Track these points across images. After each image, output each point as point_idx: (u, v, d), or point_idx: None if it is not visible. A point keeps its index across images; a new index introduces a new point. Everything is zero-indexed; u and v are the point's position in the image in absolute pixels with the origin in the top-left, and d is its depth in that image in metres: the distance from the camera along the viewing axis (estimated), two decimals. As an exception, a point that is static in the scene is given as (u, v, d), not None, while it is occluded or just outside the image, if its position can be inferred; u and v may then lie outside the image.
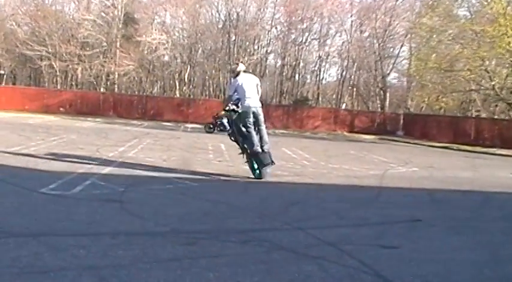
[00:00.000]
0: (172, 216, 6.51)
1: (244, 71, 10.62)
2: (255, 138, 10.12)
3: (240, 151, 10.76)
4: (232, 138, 10.81)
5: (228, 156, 14.44)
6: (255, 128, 10.20)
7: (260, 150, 10.02)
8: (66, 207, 6.54)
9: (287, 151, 17.47)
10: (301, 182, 10.53)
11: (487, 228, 7.19)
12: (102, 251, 4.80)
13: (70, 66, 44.85)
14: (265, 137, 10.34)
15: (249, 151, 10.20)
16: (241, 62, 11.76)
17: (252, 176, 10.11)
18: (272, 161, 10.12)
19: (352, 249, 5.35)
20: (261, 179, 9.94)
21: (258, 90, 10.43)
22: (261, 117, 10.35)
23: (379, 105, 46.56)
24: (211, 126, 25.37)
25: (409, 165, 15.83)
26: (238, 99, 10.10)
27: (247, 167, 10.46)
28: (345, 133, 38.14)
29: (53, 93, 39.77)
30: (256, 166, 10.11)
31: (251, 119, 10.14)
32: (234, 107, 10.03)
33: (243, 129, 10.20)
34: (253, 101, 10.22)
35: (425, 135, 34.05)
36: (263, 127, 10.39)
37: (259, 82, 10.63)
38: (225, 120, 10.63)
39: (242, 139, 10.37)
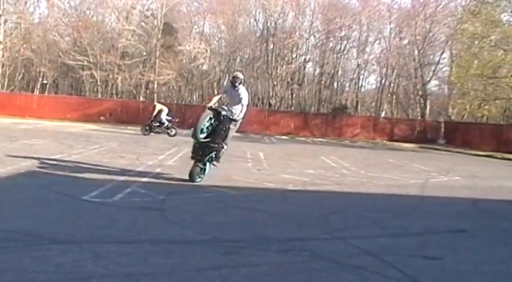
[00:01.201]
0: (212, 225, 6.52)
1: (238, 82, 10.56)
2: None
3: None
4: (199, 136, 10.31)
5: (266, 165, 14.41)
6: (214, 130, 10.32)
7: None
8: (107, 215, 6.63)
9: (326, 160, 17.36)
10: (341, 191, 10.44)
11: (534, 239, 6.99)
12: (143, 258, 4.83)
13: (110, 76, 45.58)
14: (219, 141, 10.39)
15: (226, 147, 10.61)
16: (241, 72, 11.69)
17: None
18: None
19: (393, 260, 5.26)
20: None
21: (237, 102, 10.45)
22: (223, 126, 10.33)
23: (419, 113, 45.82)
24: (147, 128, 25.30)
25: (451, 174, 15.53)
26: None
27: (286, 176, 10.43)
28: (385, 141, 37.68)
29: (93, 102, 40.50)
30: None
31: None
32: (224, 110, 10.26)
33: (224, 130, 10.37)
34: (228, 109, 10.41)
35: (467, 144, 33.37)
36: (224, 135, 10.44)
37: (242, 95, 10.43)
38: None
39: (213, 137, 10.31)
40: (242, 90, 10.46)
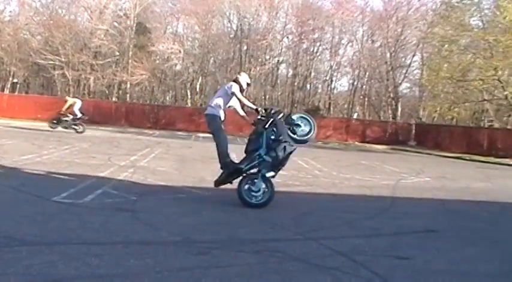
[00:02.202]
0: (185, 226, 6.50)
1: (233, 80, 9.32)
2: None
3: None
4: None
5: (239, 165, 14.41)
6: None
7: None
8: (79, 216, 6.55)
9: (299, 161, 17.42)
10: (313, 192, 10.50)
11: (502, 239, 7.12)
12: (115, 260, 4.80)
13: (83, 76, 45.17)
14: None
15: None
16: (244, 72, 10.85)
17: None
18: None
19: (365, 260, 5.31)
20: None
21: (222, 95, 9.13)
22: (209, 127, 9.31)
23: (390, 115, 46.38)
24: (55, 121, 24.73)
25: (422, 175, 15.73)
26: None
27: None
28: (357, 143, 37.99)
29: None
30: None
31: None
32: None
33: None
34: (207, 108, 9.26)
35: (437, 146, 33.87)
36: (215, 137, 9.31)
37: (228, 87, 8.99)
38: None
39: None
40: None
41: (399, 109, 46.27)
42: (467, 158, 27.07)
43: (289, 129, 8.62)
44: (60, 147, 16.10)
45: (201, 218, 7.13)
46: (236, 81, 9.17)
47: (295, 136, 8.73)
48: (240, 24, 47.36)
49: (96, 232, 5.83)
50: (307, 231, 6.57)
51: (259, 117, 8.54)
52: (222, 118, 9.12)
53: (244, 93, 9.24)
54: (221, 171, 8.97)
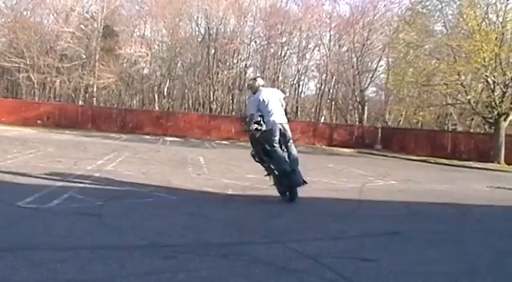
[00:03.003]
0: (151, 230, 6.47)
1: (263, 86, 9.83)
2: (283, 157, 9.34)
3: (265, 173, 9.84)
4: (257, 159, 9.76)
5: (206, 170, 14.42)
6: (281, 146, 9.40)
7: (289, 169, 9.24)
8: (43, 221, 6.47)
9: (266, 164, 17.48)
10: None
11: (464, 240, 7.27)
12: (80, 265, 4.75)
13: (48, 79, 44.48)
14: (295, 154, 9.57)
15: (276, 172, 9.35)
16: (260, 77, 10.97)
17: (281, 196, 9.50)
18: (304, 181, 9.43)
19: (331, 263, 5.37)
20: (293, 200, 9.28)
21: (282, 104, 9.68)
22: (289, 133, 9.54)
23: (357, 119, 46.88)
24: None
25: (387, 178, 15.94)
26: (262, 117, 9.33)
27: (226, 181, 10.42)
28: (324, 146, 38.25)
29: (30, 106, 39.35)
30: (284, 187, 9.40)
31: (277, 137, 9.29)
32: (256, 125, 9.25)
33: (269, 148, 9.31)
34: (278, 116, 9.42)
35: (403, 149, 34.34)
36: (291, 144, 9.60)
37: (282, 96, 9.86)
38: None
39: (268, 159, 9.48)
40: (274, 91, 10.15)
41: (365, 113, 46.82)
42: (432, 161, 27.52)
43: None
44: (25, 152, 15.84)
45: (168, 222, 7.11)
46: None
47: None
48: (208, 28, 47.30)
49: (61, 237, 5.76)
50: (274, 235, 6.61)
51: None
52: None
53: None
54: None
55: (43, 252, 5.12)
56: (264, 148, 9.38)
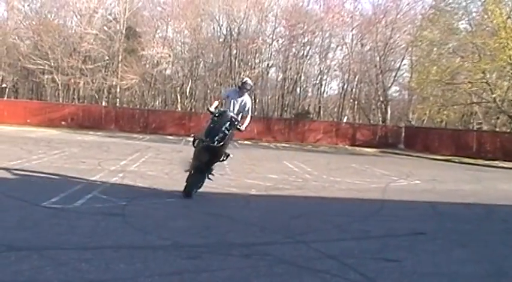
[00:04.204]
0: (175, 230, 6.50)
1: (246, 89, 9.49)
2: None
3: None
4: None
5: (229, 170, 14.42)
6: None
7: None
8: (68, 221, 6.53)
9: (289, 164, 17.46)
10: (303, 195, 10.51)
11: (490, 241, 7.17)
12: (104, 264, 4.79)
13: (72, 80, 44.90)
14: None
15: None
16: (248, 77, 10.80)
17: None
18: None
19: (354, 263, 5.33)
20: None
21: (240, 110, 9.33)
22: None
23: (380, 119, 46.50)
24: None
25: (411, 178, 15.80)
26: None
27: (249, 181, 10.41)
28: (347, 146, 38.06)
29: (55, 107, 39.80)
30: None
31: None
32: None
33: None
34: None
35: (427, 148, 34.00)
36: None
37: (247, 104, 9.40)
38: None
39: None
40: (247, 99, 9.47)
41: (389, 112, 46.39)
42: (457, 161, 27.21)
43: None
44: (50, 152, 16.03)
45: (191, 222, 7.14)
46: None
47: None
48: (230, 28, 47.33)
49: (85, 237, 5.81)
50: (296, 235, 6.59)
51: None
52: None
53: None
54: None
55: (68, 251, 5.17)
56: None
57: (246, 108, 9.31)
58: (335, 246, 6.16)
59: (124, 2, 45.86)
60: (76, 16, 47.54)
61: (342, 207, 9.53)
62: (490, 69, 28.95)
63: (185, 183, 8.95)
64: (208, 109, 9.09)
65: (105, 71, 46.39)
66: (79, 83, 44.94)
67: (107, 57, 46.72)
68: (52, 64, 44.11)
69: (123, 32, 46.08)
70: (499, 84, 30.42)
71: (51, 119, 37.02)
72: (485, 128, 39.71)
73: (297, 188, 11.35)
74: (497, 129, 38.02)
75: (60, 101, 44.92)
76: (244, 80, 9.75)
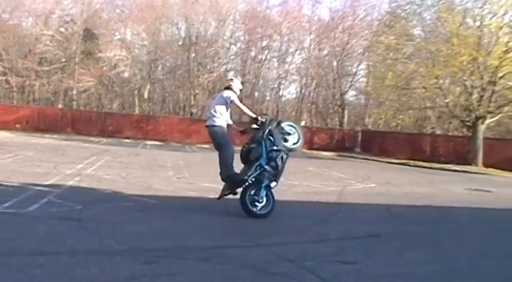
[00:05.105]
0: (132, 234, 6.43)
1: (227, 88, 9.30)
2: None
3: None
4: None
5: (187, 173, 14.37)
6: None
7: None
8: (22, 226, 6.40)
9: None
10: (262, 198, 10.53)
11: (443, 242, 7.34)
12: (59, 270, 4.71)
13: (27, 82, 43.97)
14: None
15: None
16: (232, 78, 10.42)
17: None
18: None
19: (312, 266, 5.39)
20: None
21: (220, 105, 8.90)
22: (218, 138, 8.89)
23: (337, 123, 47.08)
24: None
25: (367, 181, 16.03)
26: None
27: (207, 184, 10.38)
28: (304, 150, 38.33)
29: (9, 109, 38.84)
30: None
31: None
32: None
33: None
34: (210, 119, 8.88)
35: (383, 152, 34.57)
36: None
37: (228, 95, 8.89)
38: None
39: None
40: (227, 92, 8.99)
41: (346, 116, 47.03)
42: (412, 164, 27.74)
43: (281, 137, 8.61)
44: (3, 156, 15.65)
45: (148, 226, 7.08)
46: (230, 88, 9.05)
47: (286, 144, 8.72)
48: (188, 32, 47.15)
49: (40, 242, 5.70)
50: (255, 238, 6.62)
51: (254, 126, 8.56)
52: (226, 128, 8.86)
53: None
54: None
55: (21, 257, 5.07)
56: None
57: (229, 101, 8.88)
58: (293, 249, 6.21)
59: (82, 3, 45.21)
60: (32, 17, 46.56)
61: (299, 210, 9.60)
62: (443, 75, 29.61)
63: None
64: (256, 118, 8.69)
65: (61, 73, 45.59)
66: (34, 85, 44.04)
67: (64, 59, 45.94)
68: (6, 65, 43.12)
69: (81, 33, 45.40)
70: (452, 89, 31.11)
71: (5, 121, 36.07)
72: (438, 132, 40.61)
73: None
74: (450, 134, 38.98)
75: (15, 103, 43.90)
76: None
